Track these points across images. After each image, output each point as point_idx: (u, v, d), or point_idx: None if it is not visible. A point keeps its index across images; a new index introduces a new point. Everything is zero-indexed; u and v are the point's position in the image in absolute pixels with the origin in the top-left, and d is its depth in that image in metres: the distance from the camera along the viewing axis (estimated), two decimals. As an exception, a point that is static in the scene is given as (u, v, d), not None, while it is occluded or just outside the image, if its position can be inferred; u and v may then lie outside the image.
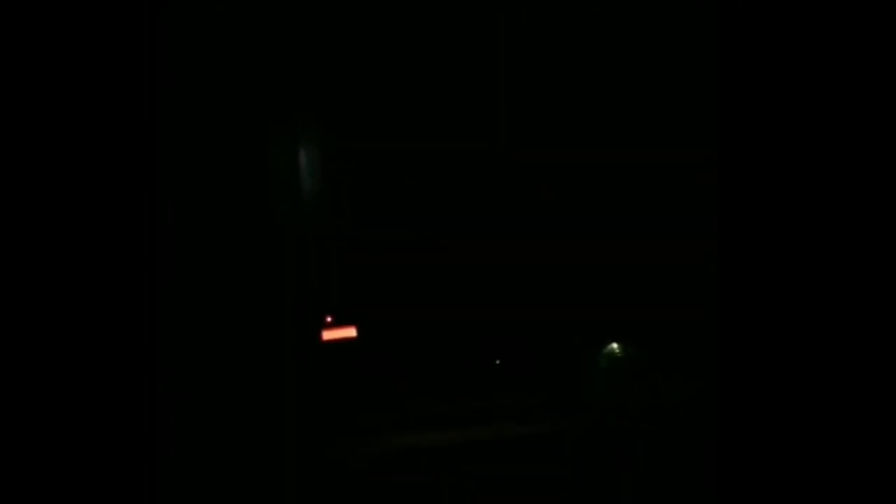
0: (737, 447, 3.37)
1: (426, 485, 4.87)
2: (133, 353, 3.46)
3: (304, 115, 5.16)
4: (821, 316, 3.28)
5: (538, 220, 5.34)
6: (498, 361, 5.24)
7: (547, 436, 4.98)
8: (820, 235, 3.32)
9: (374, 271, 5.28)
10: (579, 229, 5.33)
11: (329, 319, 5.23)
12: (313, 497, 4.76)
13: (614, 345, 5.22)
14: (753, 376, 3.37)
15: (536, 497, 4.82)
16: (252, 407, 4.87)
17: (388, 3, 5.21)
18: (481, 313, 5.27)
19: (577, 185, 5.35)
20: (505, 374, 5.27)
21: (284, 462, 4.82)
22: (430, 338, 5.27)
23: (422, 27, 5.22)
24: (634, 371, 5.19)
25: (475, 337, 5.29)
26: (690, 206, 5.20)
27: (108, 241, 3.45)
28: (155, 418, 3.51)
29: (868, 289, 3.24)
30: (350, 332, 5.25)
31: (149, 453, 3.43)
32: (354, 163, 5.27)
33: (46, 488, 3.26)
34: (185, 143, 4.74)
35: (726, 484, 3.44)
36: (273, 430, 4.86)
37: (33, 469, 3.26)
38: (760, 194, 3.36)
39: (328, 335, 5.23)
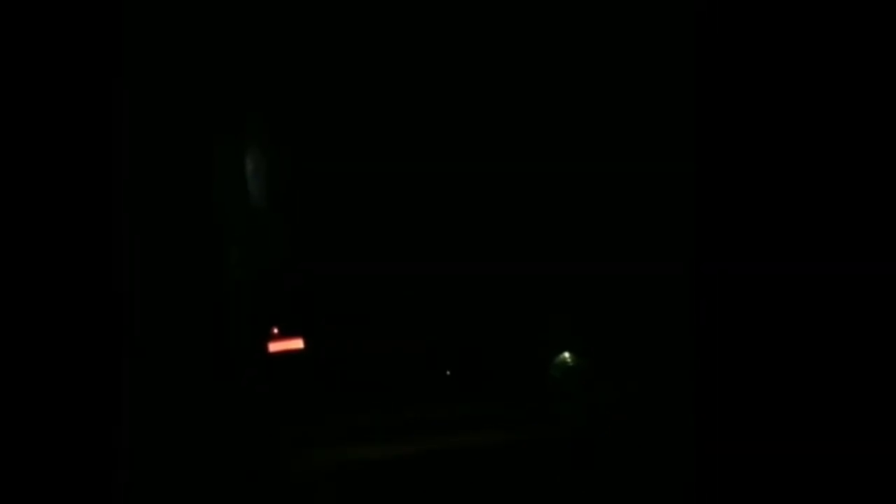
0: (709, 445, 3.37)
1: (377, 495, 4.78)
2: (75, 362, 3.40)
3: (251, 123, 5.09)
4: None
5: (484, 231, 5.31)
6: (448, 372, 5.17)
7: (502, 444, 4.92)
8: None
9: (323, 281, 5.19)
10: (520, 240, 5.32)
11: (275, 331, 5.11)
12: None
13: (566, 354, 5.20)
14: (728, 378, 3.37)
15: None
16: (195, 417, 4.75)
17: (346, 17, 5.16)
18: (431, 324, 5.22)
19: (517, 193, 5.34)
20: (456, 384, 5.20)
21: (230, 473, 4.69)
22: (381, 348, 5.18)
23: (381, 38, 5.17)
24: (586, 379, 5.17)
25: (426, 348, 5.22)
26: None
27: (46, 246, 3.39)
28: (99, 430, 3.40)
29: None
30: (297, 343, 5.13)
31: (92, 467, 3.38)
32: (307, 172, 5.21)
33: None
34: (134, 149, 4.61)
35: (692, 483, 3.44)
36: (218, 441, 4.73)
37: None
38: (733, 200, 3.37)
39: (275, 347, 5.11)
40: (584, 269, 5.25)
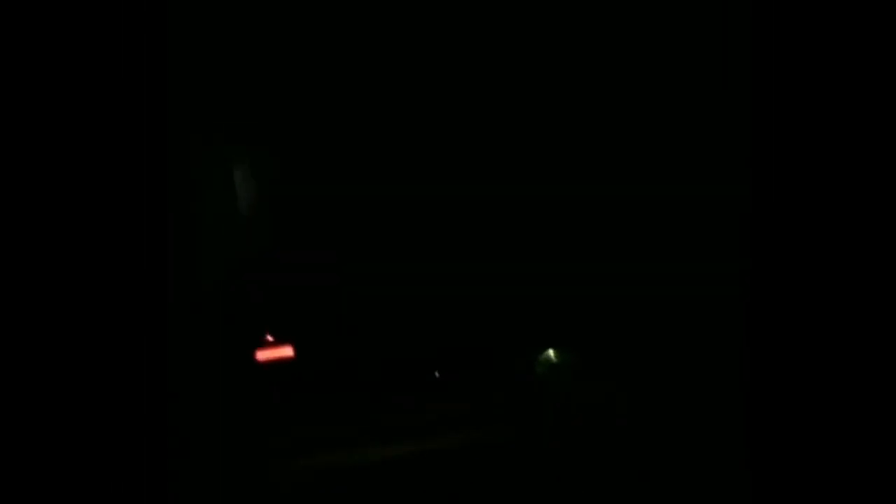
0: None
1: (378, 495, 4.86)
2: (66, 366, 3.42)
3: (239, 130, 5.09)
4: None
5: (470, 230, 5.37)
6: (437, 373, 5.25)
7: (492, 445, 5.03)
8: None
9: (312, 287, 5.25)
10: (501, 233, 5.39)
11: (269, 338, 5.16)
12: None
13: (550, 351, 5.28)
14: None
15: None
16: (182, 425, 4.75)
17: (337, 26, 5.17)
18: (418, 325, 5.28)
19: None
20: (445, 385, 5.29)
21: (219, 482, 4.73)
22: (369, 353, 5.25)
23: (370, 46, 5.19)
24: (573, 375, 5.26)
25: (413, 350, 5.29)
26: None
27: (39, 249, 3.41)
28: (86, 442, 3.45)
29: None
30: (287, 351, 5.18)
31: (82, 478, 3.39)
32: (292, 180, 5.23)
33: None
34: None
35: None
36: (206, 449, 4.76)
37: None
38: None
39: (263, 355, 5.16)
40: (574, 267, 5.32)
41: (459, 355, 5.31)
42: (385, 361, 5.25)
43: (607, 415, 5.09)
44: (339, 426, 5.11)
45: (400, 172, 5.27)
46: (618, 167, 5.25)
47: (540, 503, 4.85)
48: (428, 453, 5.00)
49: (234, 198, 5.15)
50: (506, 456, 5.00)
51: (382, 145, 5.26)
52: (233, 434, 4.87)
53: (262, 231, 5.21)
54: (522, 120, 5.30)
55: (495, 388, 5.27)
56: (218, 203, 5.11)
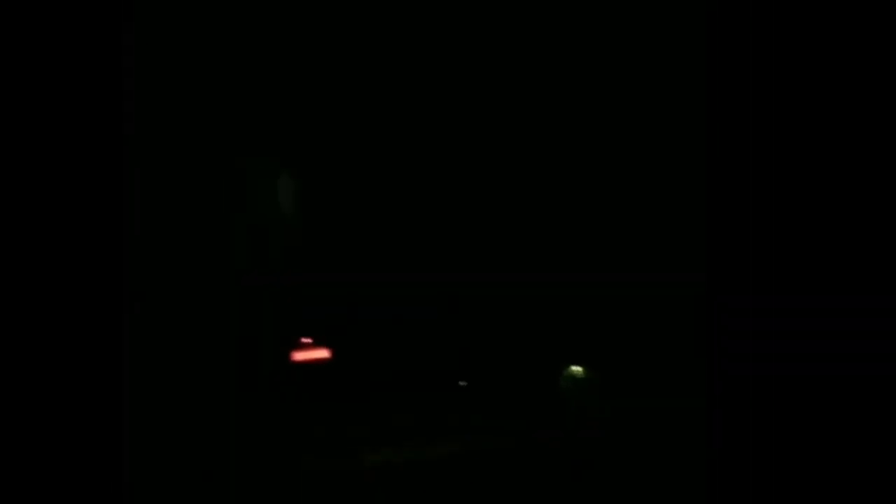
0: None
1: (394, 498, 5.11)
2: (100, 364, 3.56)
3: (283, 143, 5.21)
4: None
5: (497, 246, 5.43)
6: (462, 383, 5.43)
7: (511, 451, 5.22)
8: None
9: (348, 295, 5.44)
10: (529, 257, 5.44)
11: (309, 341, 5.41)
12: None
13: (575, 366, 5.38)
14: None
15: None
16: (210, 424, 4.82)
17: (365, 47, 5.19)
18: (445, 336, 5.44)
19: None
20: (469, 395, 5.47)
21: (244, 476, 4.87)
22: (400, 361, 5.46)
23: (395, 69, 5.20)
24: (596, 390, 5.36)
25: (441, 359, 5.47)
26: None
27: (79, 257, 3.55)
28: (118, 431, 3.60)
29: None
30: (322, 353, 5.44)
31: (111, 468, 3.55)
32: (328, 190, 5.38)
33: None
34: (162, 168, 4.73)
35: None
36: (231, 445, 4.87)
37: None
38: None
39: (300, 356, 5.41)
40: (595, 282, 5.35)
41: (485, 366, 5.47)
42: (412, 369, 5.45)
43: (627, 429, 5.20)
44: (361, 426, 5.38)
45: (434, 188, 5.34)
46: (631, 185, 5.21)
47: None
48: (443, 457, 5.23)
49: (276, 205, 5.30)
50: (519, 460, 5.17)
51: (416, 161, 5.32)
52: (257, 433, 5.11)
53: (300, 236, 5.36)
54: (546, 139, 5.27)
55: (519, 398, 5.43)
56: (261, 209, 5.26)
